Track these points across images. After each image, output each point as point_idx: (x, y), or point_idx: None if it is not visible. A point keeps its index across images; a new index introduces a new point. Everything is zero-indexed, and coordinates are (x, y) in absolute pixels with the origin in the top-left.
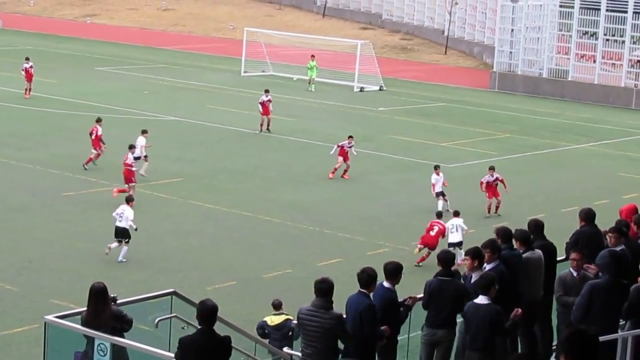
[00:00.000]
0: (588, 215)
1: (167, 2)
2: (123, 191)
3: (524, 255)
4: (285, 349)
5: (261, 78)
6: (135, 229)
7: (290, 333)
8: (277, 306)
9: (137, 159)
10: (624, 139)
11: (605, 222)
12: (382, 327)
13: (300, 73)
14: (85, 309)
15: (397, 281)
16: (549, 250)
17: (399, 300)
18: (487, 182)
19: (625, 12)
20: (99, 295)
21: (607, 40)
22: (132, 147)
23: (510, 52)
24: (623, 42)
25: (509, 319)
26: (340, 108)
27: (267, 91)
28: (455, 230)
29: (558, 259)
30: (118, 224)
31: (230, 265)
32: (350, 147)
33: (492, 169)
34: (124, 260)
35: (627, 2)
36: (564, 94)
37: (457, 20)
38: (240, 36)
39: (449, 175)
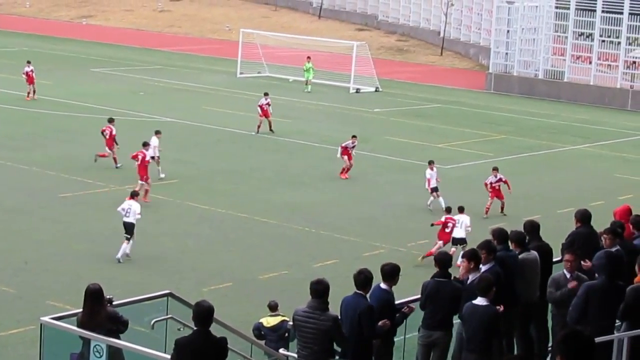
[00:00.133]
0: (584, 217)
1: (163, 3)
2: (146, 193)
3: (519, 257)
4: (281, 351)
5: (257, 79)
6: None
7: (286, 334)
8: (273, 307)
9: (152, 158)
10: (619, 140)
11: (601, 223)
12: (379, 323)
13: (296, 74)
14: (81, 310)
15: (394, 283)
16: (545, 251)
17: (398, 303)
18: (491, 183)
19: (621, 13)
20: (94, 297)
21: (603, 41)
22: (146, 145)
23: (506, 54)
24: (619, 43)
25: (505, 321)
26: (336, 109)
27: (266, 94)
28: (459, 227)
29: (554, 260)
30: (126, 219)
31: (226, 266)
32: (353, 146)
33: (495, 169)
34: (128, 257)
35: (622, 3)
36: (560, 95)
37: (453, 22)
38: (236, 37)
39: (446, 177)
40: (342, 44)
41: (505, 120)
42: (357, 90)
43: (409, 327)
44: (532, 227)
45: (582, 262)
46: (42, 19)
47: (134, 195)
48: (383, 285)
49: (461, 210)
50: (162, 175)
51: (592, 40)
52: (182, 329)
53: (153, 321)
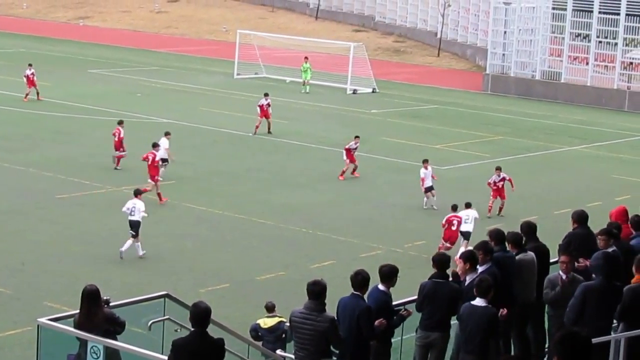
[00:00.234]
0: (581, 217)
1: (160, 4)
2: (159, 196)
3: (516, 257)
4: (279, 352)
5: (254, 80)
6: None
7: (283, 335)
8: (270, 308)
9: (163, 160)
10: (616, 141)
11: (598, 224)
12: (376, 322)
13: (293, 75)
14: (78, 311)
15: (392, 284)
16: (542, 252)
17: (396, 306)
18: (494, 182)
19: (618, 14)
20: (91, 298)
21: (600, 42)
22: (155, 146)
23: (503, 54)
24: (616, 44)
25: (502, 321)
26: (333, 110)
27: (266, 95)
28: (469, 221)
29: (551, 260)
30: (131, 218)
31: (223, 267)
32: (356, 147)
33: (498, 169)
34: (142, 257)
35: (619, 4)
36: (557, 96)
37: (450, 23)
38: (233, 38)
39: (443, 178)
40: (339, 45)
41: (502, 121)
42: (354, 91)
43: (407, 328)
44: (529, 228)
45: (576, 263)
46: (39, 20)
47: (137, 193)
48: (381, 287)
49: (468, 205)
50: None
51: (589, 41)
52: (179, 330)
53: (150, 322)
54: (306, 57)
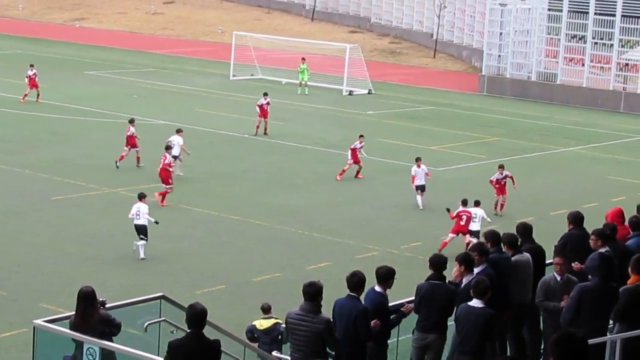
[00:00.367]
0: (576, 219)
1: (156, 6)
2: (165, 193)
3: (512, 259)
4: (274, 353)
5: (250, 82)
6: (157, 222)
7: (279, 337)
8: (266, 310)
9: (175, 157)
10: (612, 142)
11: (593, 225)
12: (371, 323)
13: (289, 77)
14: (73, 313)
15: (389, 286)
16: (538, 253)
17: (395, 304)
18: (497, 180)
19: (614, 15)
20: (87, 299)
21: (596, 43)
22: (168, 148)
23: (499, 56)
24: (611, 45)
25: (498, 323)
26: (329, 111)
27: (265, 94)
28: (476, 220)
29: (547, 262)
30: (137, 222)
31: (219, 269)
32: (361, 146)
33: (501, 167)
34: (144, 257)
35: (615, 5)
36: (553, 97)
37: (446, 24)
38: (229, 40)
39: (439, 179)
40: (335, 46)
41: (498, 122)
42: (350, 93)
43: (402, 329)
44: (525, 229)
45: (573, 264)
46: (35, 22)
47: (141, 197)
48: (378, 288)
49: (477, 203)
50: (179, 173)
51: (585, 42)
52: (175, 332)
53: (146, 324)
54: (303, 58)
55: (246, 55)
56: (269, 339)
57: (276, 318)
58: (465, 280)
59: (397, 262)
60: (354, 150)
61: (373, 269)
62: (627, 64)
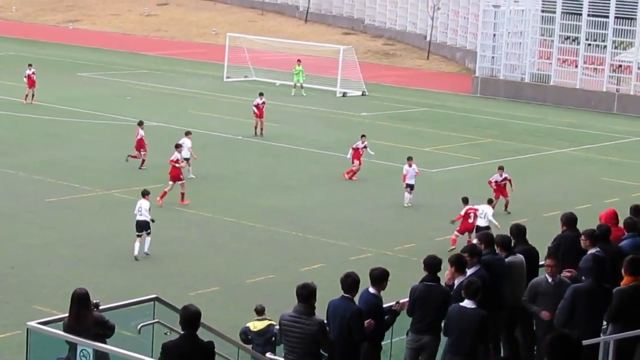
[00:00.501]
0: (570, 220)
1: (150, 7)
2: (164, 195)
3: (506, 260)
4: (268, 355)
5: (244, 83)
6: (153, 221)
7: (273, 338)
8: (259, 311)
9: (186, 159)
10: (605, 143)
11: (587, 226)
12: (365, 323)
13: (282, 78)
14: (67, 314)
15: (383, 287)
16: (531, 254)
17: (387, 304)
18: (496, 182)
19: (607, 17)
20: (80, 301)
21: (589, 45)
22: (178, 147)
23: (493, 57)
24: (605, 46)
25: (492, 324)
26: (323, 113)
27: (261, 94)
28: (482, 217)
29: (540, 263)
30: (139, 217)
31: (213, 270)
32: (364, 147)
33: (501, 168)
34: (148, 253)
35: (608, 7)
36: (546, 98)
37: (440, 26)
38: (222, 42)
39: (432, 180)
40: (329, 48)
41: (492, 123)
42: (344, 94)
43: (396, 330)
44: (518, 231)
45: (564, 272)
46: (29, 24)
47: (144, 194)
48: (372, 290)
49: (490, 202)
50: (192, 176)
51: (578, 43)
52: (169, 333)
53: (140, 325)
54: (299, 60)
55: (240, 57)
56: (263, 341)
57: (270, 320)
58: (457, 282)
59: (391, 264)
60: (356, 150)
61: (367, 270)
62: (620, 66)
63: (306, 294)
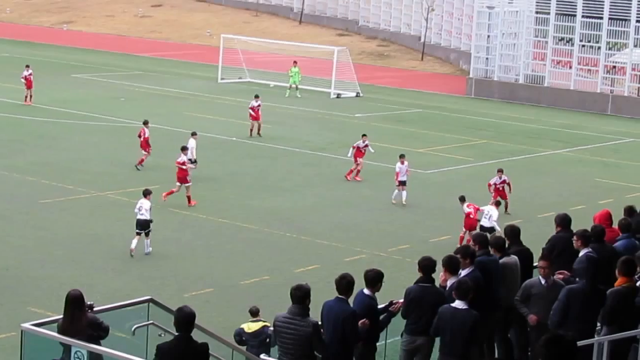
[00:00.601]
0: (564, 221)
1: (144, 9)
2: (170, 193)
3: (500, 261)
4: (263, 356)
5: (238, 85)
6: (151, 221)
7: (267, 340)
8: (254, 313)
9: (193, 162)
10: (600, 144)
11: (581, 227)
12: (359, 323)
13: (277, 80)
14: (61, 316)
15: (378, 289)
16: (526, 256)
17: (382, 305)
18: (495, 184)
19: (601, 18)
20: (75, 303)
21: (583, 46)
22: (184, 149)
23: (487, 59)
24: (599, 48)
25: (485, 325)
26: (317, 114)
27: (257, 96)
28: (487, 217)
29: (534, 264)
30: (140, 216)
31: (207, 272)
32: (365, 145)
33: (500, 171)
34: (150, 250)
35: (602, 8)
36: (540, 100)
37: (434, 27)
38: (217, 43)
39: (427, 182)
40: (323, 49)
41: (486, 125)
42: (338, 96)
43: (390, 332)
44: (513, 232)
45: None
46: (23, 25)
47: (146, 193)
48: (366, 291)
49: (497, 204)
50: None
51: (572, 45)
52: (163, 335)
53: (134, 327)
54: (295, 62)
55: (234, 58)
56: (257, 342)
57: (264, 321)
58: (449, 283)
59: (385, 265)
60: (358, 149)
61: (361, 271)
62: (614, 67)
63: (300, 295)
